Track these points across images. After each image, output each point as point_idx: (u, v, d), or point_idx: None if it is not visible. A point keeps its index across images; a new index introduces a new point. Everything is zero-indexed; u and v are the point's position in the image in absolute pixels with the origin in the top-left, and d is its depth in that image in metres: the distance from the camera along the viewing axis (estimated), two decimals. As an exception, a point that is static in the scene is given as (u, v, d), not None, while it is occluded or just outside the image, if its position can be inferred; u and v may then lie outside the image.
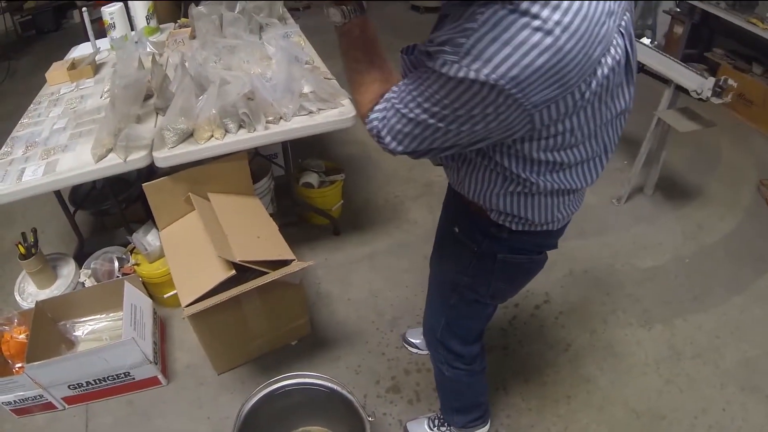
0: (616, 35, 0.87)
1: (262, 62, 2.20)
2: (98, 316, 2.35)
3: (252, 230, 1.99)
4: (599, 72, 0.86)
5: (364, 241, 2.90)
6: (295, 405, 1.84)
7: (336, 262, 2.77)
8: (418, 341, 2.26)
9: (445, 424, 1.91)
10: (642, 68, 2.76)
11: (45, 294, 2.38)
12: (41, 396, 2.05)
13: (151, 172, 2.27)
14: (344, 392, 1.74)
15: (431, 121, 0.91)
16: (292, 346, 2.32)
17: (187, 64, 2.17)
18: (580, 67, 0.81)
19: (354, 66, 1.06)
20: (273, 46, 2.23)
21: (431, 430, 1.94)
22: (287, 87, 2.04)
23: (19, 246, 2.32)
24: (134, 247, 2.37)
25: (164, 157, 2.01)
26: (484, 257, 1.27)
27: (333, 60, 2.74)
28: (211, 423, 2.06)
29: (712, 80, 2.48)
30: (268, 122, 2.05)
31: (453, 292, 1.42)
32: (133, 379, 2.11)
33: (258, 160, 2.73)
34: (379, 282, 2.65)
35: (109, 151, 2.06)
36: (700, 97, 2.53)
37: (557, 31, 0.77)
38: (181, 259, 2.00)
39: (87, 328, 2.34)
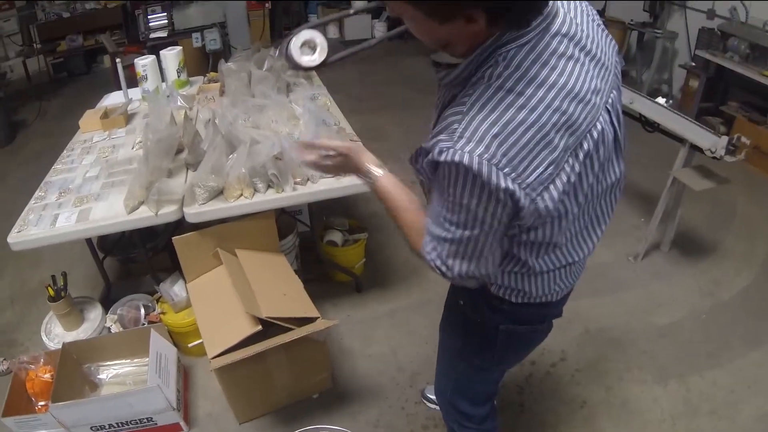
0: (603, 112, 0.91)
1: (290, 122, 2.28)
2: (123, 361, 2.41)
3: (278, 287, 2.05)
4: (585, 145, 0.89)
5: (386, 298, 2.93)
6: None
7: (358, 318, 2.80)
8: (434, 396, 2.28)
9: None
10: (657, 127, 2.83)
11: (71, 336, 2.43)
12: (64, 436, 2.10)
13: (178, 223, 2.34)
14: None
15: (465, 233, 0.94)
16: (313, 399, 2.35)
17: (217, 121, 2.26)
18: (565, 142, 0.85)
19: (391, 214, 1.16)
20: (300, 107, 2.32)
21: None
22: (314, 149, 2.11)
23: (49, 288, 2.38)
24: (160, 296, 2.43)
25: (195, 213, 2.08)
26: (488, 327, 1.29)
27: (356, 115, 2.85)
28: (231, 473, 2.10)
29: (725, 139, 2.53)
30: (296, 183, 2.12)
31: (460, 358, 1.47)
32: (156, 424, 2.15)
33: (283, 217, 2.80)
34: (399, 338, 2.68)
35: (141, 203, 2.13)
36: (714, 155, 2.58)
37: (540, 108, 0.81)
38: (208, 312, 2.06)
39: (111, 372, 2.39)
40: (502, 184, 0.83)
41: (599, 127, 0.90)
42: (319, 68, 1.15)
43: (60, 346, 2.23)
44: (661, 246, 3.10)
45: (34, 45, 5.75)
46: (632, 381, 2.38)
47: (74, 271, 3.08)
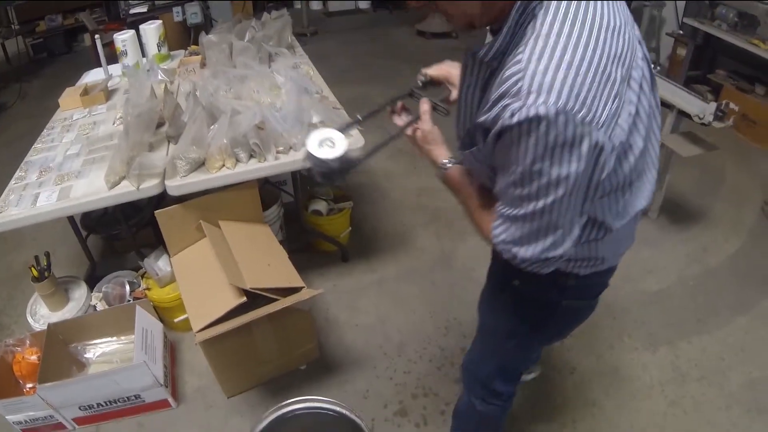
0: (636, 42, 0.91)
1: (272, 92, 2.25)
2: (109, 339, 2.38)
3: (262, 258, 2.03)
4: (634, 74, 0.88)
5: (372, 267, 2.92)
6: (304, 429, 1.85)
7: (344, 288, 2.79)
8: None
9: None
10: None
11: (57, 316, 2.41)
12: (52, 416, 2.08)
13: (161, 198, 2.31)
14: (353, 416, 1.75)
15: (538, 204, 0.88)
16: (301, 371, 2.34)
17: (198, 93, 2.22)
18: (620, 73, 0.83)
19: (461, 203, 1.18)
20: (282, 76, 2.28)
21: None
22: (297, 117, 2.08)
23: (32, 269, 2.35)
24: (145, 272, 2.40)
25: (176, 185, 2.05)
26: (547, 306, 1.26)
27: (340, 86, 2.82)
28: (219, 447, 2.09)
29: (713, 105, 2.51)
30: (278, 152, 2.09)
31: (510, 338, 1.40)
32: (144, 401, 2.13)
33: (267, 187, 2.77)
34: (386, 308, 2.68)
35: (122, 178, 2.10)
36: (703, 121, 2.56)
37: (592, 44, 0.79)
38: (193, 285, 2.03)
39: (98, 351, 2.37)
40: (579, 130, 0.79)
41: (639, 54, 0.90)
42: (346, 166, 1.14)
43: (46, 327, 2.20)
44: (649, 213, 3.09)
45: (12, 26, 5.60)
46: (622, 348, 2.39)
47: (58, 251, 3.04)
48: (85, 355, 2.35)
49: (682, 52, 4.35)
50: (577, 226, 0.93)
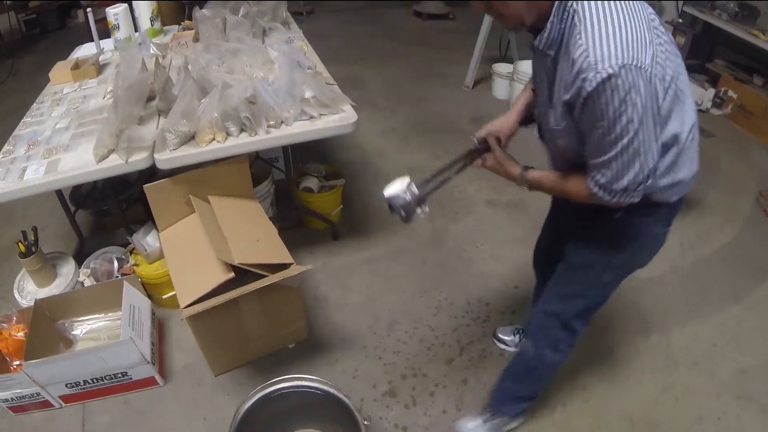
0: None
1: (265, 66, 2.21)
2: (97, 316, 2.36)
3: (251, 233, 2.00)
4: (658, 27, 1.14)
5: (363, 246, 2.90)
6: (291, 408, 1.84)
7: (334, 266, 2.77)
8: (508, 338, 2.32)
9: (496, 415, 1.95)
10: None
11: (44, 292, 2.38)
12: (38, 394, 2.05)
13: (152, 173, 2.28)
14: (340, 395, 1.74)
15: (624, 140, 1.11)
16: (289, 349, 2.32)
17: (190, 67, 2.19)
18: (648, 32, 1.08)
19: (553, 192, 1.47)
20: (276, 51, 2.25)
21: (485, 424, 1.96)
22: (289, 91, 2.05)
23: (20, 244, 2.32)
24: (134, 248, 2.37)
25: (165, 158, 2.02)
26: (644, 234, 1.46)
27: (335, 65, 2.78)
28: (207, 424, 2.06)
29: (712, 91, 2.50)
30: (269, 126, 2.06)
31: (607, 271, 1.55)
32: (131, 378, 2.11)
33: (259, 163, 2.74)
34: (377, 286, 2.66)
35: (111, 151, 2.08)
36: (700, 108, 2.55)
37: (627, 17, 1.06)
38: (181, 261, 2.01)
39: (85, 327, 2.35)
40: (636, 74, 1.04)
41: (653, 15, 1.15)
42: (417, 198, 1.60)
43: (33, 304, 2.17)
44: (644, 200, 3.07)
45: (5, 1, 5.53)
46: (615, 333, 2.38)
47: (48, 227, 3.01)
48: (73, 332, 2.33)
49: (680, 40, 4.31)
50: (656, 150, 1.17)
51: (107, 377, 2.08)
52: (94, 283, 2.39)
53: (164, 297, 2.39)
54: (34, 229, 2.39)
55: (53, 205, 2.76)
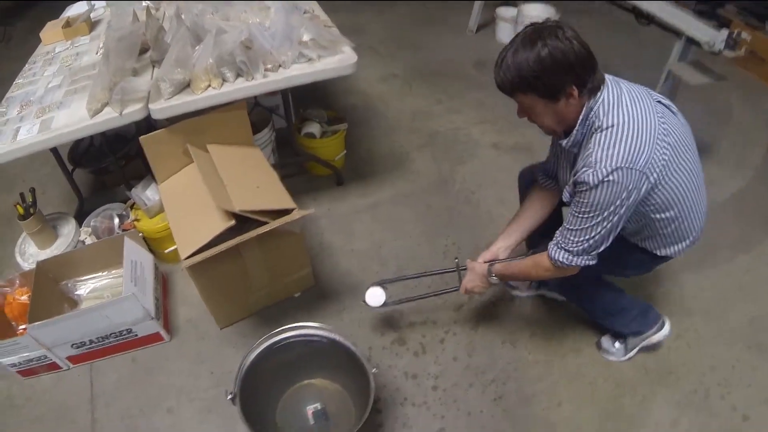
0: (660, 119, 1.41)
1: (261, 12, 2.15)
2: (100, 274, 2.33)
3: (252, 180, 1.95)
4: (667, 138, 1.40)
5: (368, 191, 2.86)
6: (297, 358, 1.82)
7: (339, 212, 2.73)
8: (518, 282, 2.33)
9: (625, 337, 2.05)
10: (652, 19, 2.69)
11: (46, 254, 2.35)
12: (45, 356, 2.04)
13: (150, 127, 2.22)
14: (347, 344, 1.72)
15: (596, 222, 1.44)
16: (295, 299, 2.29)
17: (183, 15, 2.12)
18: (651, 139, 1.36)
19: (517, 275, 1.78)
20: (271, -4, 2.17)
21: (622, 344, 2.06)
22: (286, 35, 1.99)
23: (18, 207, 2.28)
24: (134, 203, 2.33)
25: (160, 108, 1.97)
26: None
27: (334, 13, 2.69)
28: (213, 378, 2.05)
29: (725, 32, 2.41)
30: (266, 70, 2.01)
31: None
32: (136, 335, 2.09)
33: (258, 111, 2.68)
34: (383, 232, 2.63)
35: (105, 105, 2.04)
36: (713, 49, 2.45)
37: (631, 128, 1.35)
38: (181, 212, 1.96)
39: (89, 287, 2.32)
40: (629, 175, 1.34)
41: (665, 126, 1.41)
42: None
43: (35, 266, 2.14)
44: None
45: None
46: (626, 279, 2.31)
47: (48, 190, 2.97)
48: (77, 293, 2.30)
49: (690, -14, 4.19)
50: (612, 236, 1.49)
51: (112, 335, 2.06)
52: (96, 241, 2.36)
53: (167, 251, 2.36)
54: (32, 190, 2.35)
55: (52, 168, 2.71)
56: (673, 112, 1.50)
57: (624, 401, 1.97)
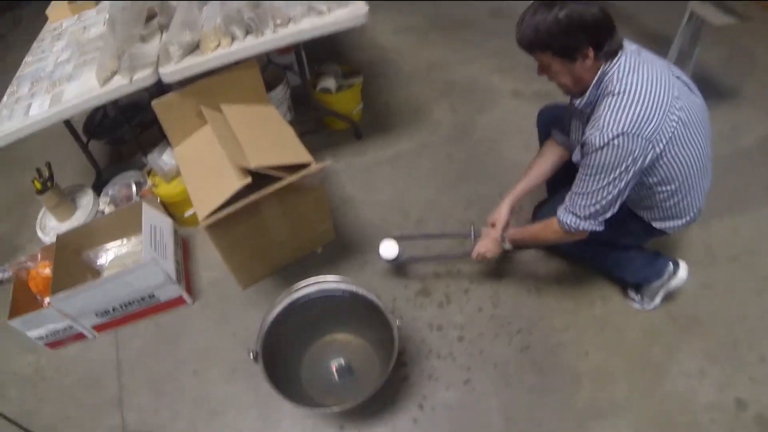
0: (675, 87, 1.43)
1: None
2: (120, 242, 2.35)
3: (267, 137, 1.92)
4: (676, 111, 1.42)
5: (387, 143, 2.83)
6: (319, 313, 1.82)
7: (359, 165, 2.72)
8: None
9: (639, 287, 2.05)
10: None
11: (66, 226, 2.37)
12: (71, 327, 2.06)
13: (163, 93, 2.20)
14: (370, 296, 1.70)
15: (602, 185, 1.48)
16: (317, 255, 2.28)
17: (189, -24, 2.08)
18: (659, 115, 1.38)
19: (534, 244, 2.01)
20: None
21: (637, 294, 2.06)
22: (296, -12, 1.94)
23: (35, 182, 2.30)
24: (151, 169, 2.33)
25: (170, 72, 1.96)
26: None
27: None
28: (237, 339, 2.06)
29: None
30: (276, 26, 1.97)
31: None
32: (159, 300, 2.11)
33: (272, 69, 2.65)
34: (403, 183, 2.61)
35: (114, 73, 2.03)
36: (736, -15, 2.36)
37: (641, 95, 1.37)
38: (197, 175, 1.95)
39: (110, 256, 2.33)
40: (634, 141, 1.37)
41: (675, 92, 1.42)
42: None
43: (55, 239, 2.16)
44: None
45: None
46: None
47: (65, 165, 2.97)
48: (98, 262, 2.32)
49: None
50: (620, 200, 1.52)
51: (135, 301, 2.08)
52: (114, 209, 2.36)
53: (186, 215, 2.36)
54: (48, 165, 2.36)
55: (68, 143, 2.71)
56: (691, 90, 1.52)
57: (652, 350, 1.94)
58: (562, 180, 1.82)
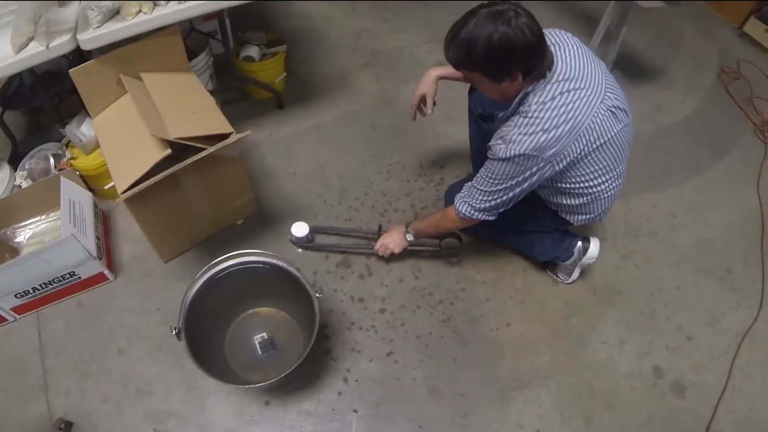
0: (598, 116, 1.48)
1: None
2: (39, 219, 2.24)
3: (188, 107, 1.87)
4: (583, 138, 1.49)
5: (310, 113, 2.80)
6: (240, 287, 1.80)
7: (281, 136, 2.67)
8: None
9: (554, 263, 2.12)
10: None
11: (-20, 203, 2.25)
12: (-11, 310, 1.97)
13: (84, 61, 2.11)
14: (290, 269, 1.70)
15: (503, 196, 1.62)
16: (238, 226, 2.26)
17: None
18: (567, 136, 1.45)
19: (436, 232, 1.97)
20: None
21: (553, 272, 2.14)
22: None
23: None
24: (69, 141, 2.23)
25: (89, 38, 1.87)
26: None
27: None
28: (161, 314, 2.02)
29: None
30: (200, -10, 1.91)
31: None
32: (80, 278, 2.04)
33: (194, 36, 2.58)
34: (326, 153, 2.59)
35: (30, 39, 1.91)
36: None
37: (549, 122, 1.43)
38: (116, 146, 1.88)
39: (28, 233, 2.23)
40: (533, 161, 1.48)
41: (595, 134, 1.50)
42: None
43: (-30, 218, 2.05)
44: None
45: None
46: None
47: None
48: (16, 240, 2.21)
49: None
50: (510, 202, 1.65)
51: (55, 280, 2.00)
52: (31, 184, 2.26)
53: (106, 188, 2.28)
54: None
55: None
56: (616, 116, 1.54)
57: (572, 321, 2.01)
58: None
